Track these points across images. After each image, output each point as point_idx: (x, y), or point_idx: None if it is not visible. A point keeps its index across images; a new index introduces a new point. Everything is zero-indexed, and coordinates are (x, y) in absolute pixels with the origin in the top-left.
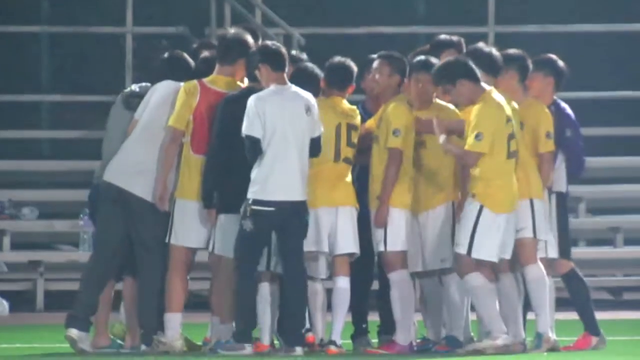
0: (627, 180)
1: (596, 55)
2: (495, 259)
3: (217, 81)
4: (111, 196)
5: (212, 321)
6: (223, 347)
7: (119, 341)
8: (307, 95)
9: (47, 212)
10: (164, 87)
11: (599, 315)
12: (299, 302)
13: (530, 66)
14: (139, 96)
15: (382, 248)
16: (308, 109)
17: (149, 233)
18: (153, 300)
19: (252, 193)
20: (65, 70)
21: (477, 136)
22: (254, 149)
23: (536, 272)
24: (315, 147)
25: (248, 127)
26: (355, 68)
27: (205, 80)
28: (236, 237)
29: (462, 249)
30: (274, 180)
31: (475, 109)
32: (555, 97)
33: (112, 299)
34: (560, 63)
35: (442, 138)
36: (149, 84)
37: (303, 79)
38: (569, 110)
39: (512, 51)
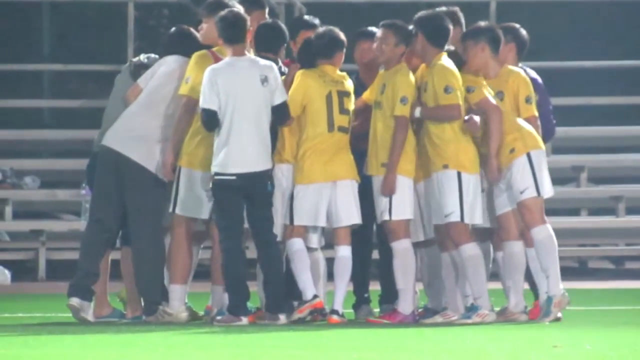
0: (629, 150)
1: (598, 24)
2: (483, 222)
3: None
4: (109, 161)
5: (213, 290)
6: (218, 320)
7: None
8: (265, 65)
9: (49, 181)
10: (172, 61)
11: (601, 285)
12: (275, 270)
13: (501, 37)
14: (146, 67)
15: (386, 217)
16: (265, 79)
17: (144, 200)
18: (150, 269)
19: (214, 167)
20: (67, 40)
21: (446, 89)
22: (210, 122)
23: (544, 233)
24: (280, 114)
25: (204, 100)
26: (343, 37)
27: (215, 49)
28: (214, 210)
29: (456, 217)
30: (231, 152)
31: (442, 68)
32: (520, 64)
33: (110, 267)
34: (522, 31)
35: (417, 111)
36: (157, 56)
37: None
38: (534, 75)
39: (481, 24)
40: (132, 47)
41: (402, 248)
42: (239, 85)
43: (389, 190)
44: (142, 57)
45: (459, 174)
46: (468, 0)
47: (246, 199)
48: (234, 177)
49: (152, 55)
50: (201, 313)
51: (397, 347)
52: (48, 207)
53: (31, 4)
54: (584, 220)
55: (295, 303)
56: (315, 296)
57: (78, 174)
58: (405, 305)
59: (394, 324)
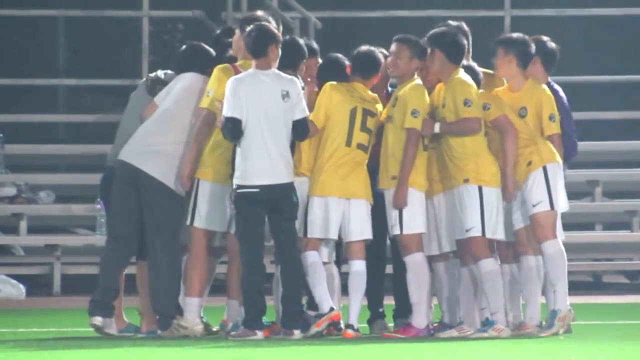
0: None
1: (612, 39)
2: (504, 237)
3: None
4: (125, 175)
5: (229, 304)
6: (233, 335)
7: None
8: (287, 79)
9: (64, 196)
10: (189, 78)
11: (615, 299)
12: (294, 285)
13: (532, 52)
14: (163, 83)
15: (397, 231)
16: (286, 94)
17: (161, 214)
18: (166, 283)
19: (236, 178)
20: (82, 54)
21: (465, 103)
22: (234, 131)
23: (555, 247)
24: (300, 130)
25: (228, 109)
26: (382, 58)
27: (238, 64)
28: (235, 223)
29: (477, 232)
30: (253, 163)
31: (461, 82)
32: (549, 79)
33: (124, 281)
34: (550, 44)
35: (436, 126)
36: (173, 72)
37: (330, 68)
38: (561, 93)
39: (514, 35)
40: (146, 61)
41: (415, 262)
42: (260, 98)
43: (400, 203)
44: (160, 73)
45: (480, 188)
46: (482, 15)
47: (269, 211)
48: (256, 190)
49: (169, 71)
50: (216, 327)
51: None
52: (63, 222)
53: (46, 19)
54: (599, 235)
55: (313, 314)
56: (331, 309)
57: (93, 189)
58: (420, 319)
59: (408, 338)
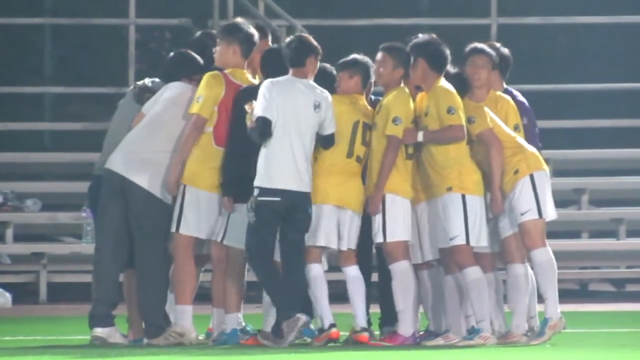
0: (630, 172)
1: (598, 47)
2: (487, 246)
3: (241, 75)
4: (113, 184)
5: (214, 312)
6: (265, 340)
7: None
8: (321, 92)
9: (50, 204)
10: (176, 87)
11: (602, 307)
12: (297, 294)
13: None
14: (151, 91)
15: (380, 239)
16: (317, 106)
17: (149, 223)
18: (154, 292)
19: (258, 181)
20: (68, 62)
21: (449, 110)
22: (264, 130)
23: (544, 256)
24: (326, 143)
25: (261, 109)
26: (373, 67)
27: (227, 72)
28: (246, 230)
29: (461, 240)
30: (277, 167)
31: (443, 90)
32: (505, 86)
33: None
34: (503, 50)
35: (420, 135)
36: (160, 81)
37: (319, 78)
38: (521, 98)
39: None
40: (133, 69)
41: (400, 270)
42: (293, 103)
43: (374, 210)
44: (147, 81)
45: (463, 197)
46: (468, 23)
47: (283, 220)
48: (278, 199)
49: (157, 79)
50: (202, 336)
51: None
52: (49, 230)
53: (32, 27)
54: (585, 243)
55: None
56: (331, 325)
57: (79, 197)
58: (405, 327)
59: (395, 346)
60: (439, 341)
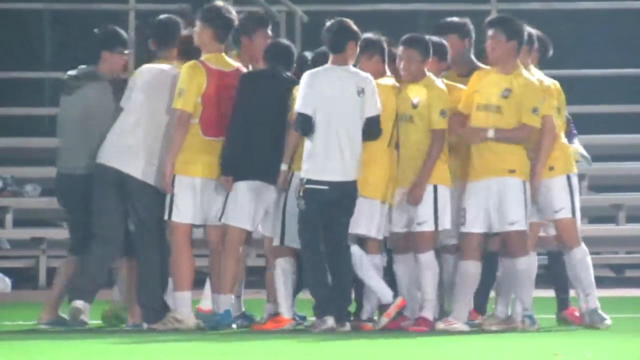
0: (630, 158)
1: (600, 32)
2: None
3: (218, 60)
4: (107, 178)
5: (214, 298)
6: (311, 329)
7: (63, 315)
8: (363, 76)
9: (50, 189)
10: (147, 72)
11: (601, 293)
12: (346, 280)
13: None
14: (78, 79)
15: (427, 228)
16: (362, 90)
17: (146, 212)
18: (153, 279)
19: (305, 172)
20: (68, 48)
21: (534, 110)
22: (306, 126)
23: (582, 253)
24: (372, 127)
25: (300, 104)
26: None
27: (204, 59)
28: (297, 220)
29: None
30: (324, 160)
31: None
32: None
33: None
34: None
35: (490, 132)
36: (86, 66)
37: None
38: None
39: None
40: (133, 55)
41: (431, 259)
42: (336, 93)
43: (418, 200)
44: (72, 72)
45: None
46: (468, 9)
47: (331, 206)
48: (326, 187)
49: (83, 66)
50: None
51: (402, 356)
52: (49, 215)
53: (32, 12)
54: (585, 229)
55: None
56: (394, 296)
57: None
58: (430, 314)
59: (425, 331)
60: (440, 325)
